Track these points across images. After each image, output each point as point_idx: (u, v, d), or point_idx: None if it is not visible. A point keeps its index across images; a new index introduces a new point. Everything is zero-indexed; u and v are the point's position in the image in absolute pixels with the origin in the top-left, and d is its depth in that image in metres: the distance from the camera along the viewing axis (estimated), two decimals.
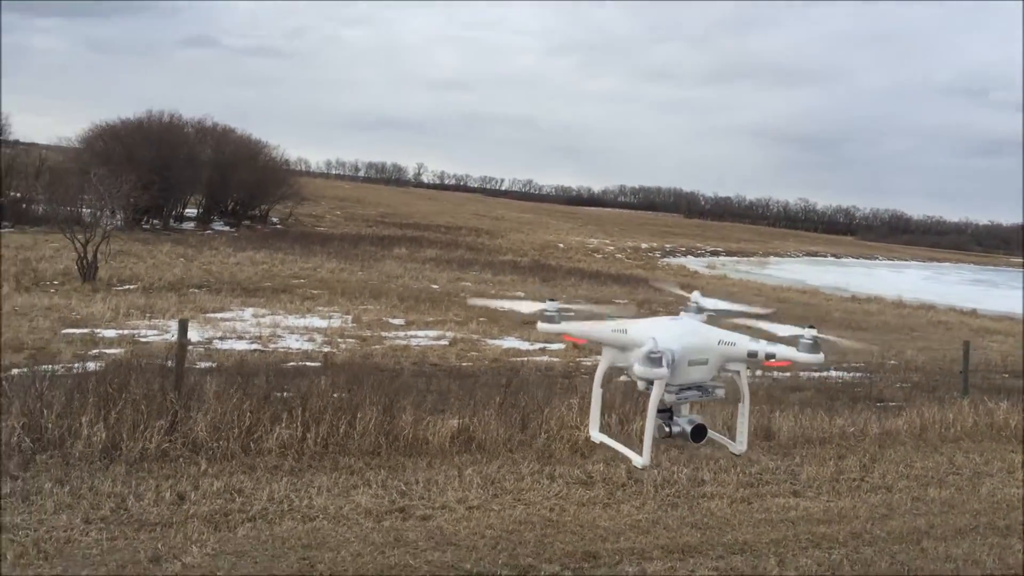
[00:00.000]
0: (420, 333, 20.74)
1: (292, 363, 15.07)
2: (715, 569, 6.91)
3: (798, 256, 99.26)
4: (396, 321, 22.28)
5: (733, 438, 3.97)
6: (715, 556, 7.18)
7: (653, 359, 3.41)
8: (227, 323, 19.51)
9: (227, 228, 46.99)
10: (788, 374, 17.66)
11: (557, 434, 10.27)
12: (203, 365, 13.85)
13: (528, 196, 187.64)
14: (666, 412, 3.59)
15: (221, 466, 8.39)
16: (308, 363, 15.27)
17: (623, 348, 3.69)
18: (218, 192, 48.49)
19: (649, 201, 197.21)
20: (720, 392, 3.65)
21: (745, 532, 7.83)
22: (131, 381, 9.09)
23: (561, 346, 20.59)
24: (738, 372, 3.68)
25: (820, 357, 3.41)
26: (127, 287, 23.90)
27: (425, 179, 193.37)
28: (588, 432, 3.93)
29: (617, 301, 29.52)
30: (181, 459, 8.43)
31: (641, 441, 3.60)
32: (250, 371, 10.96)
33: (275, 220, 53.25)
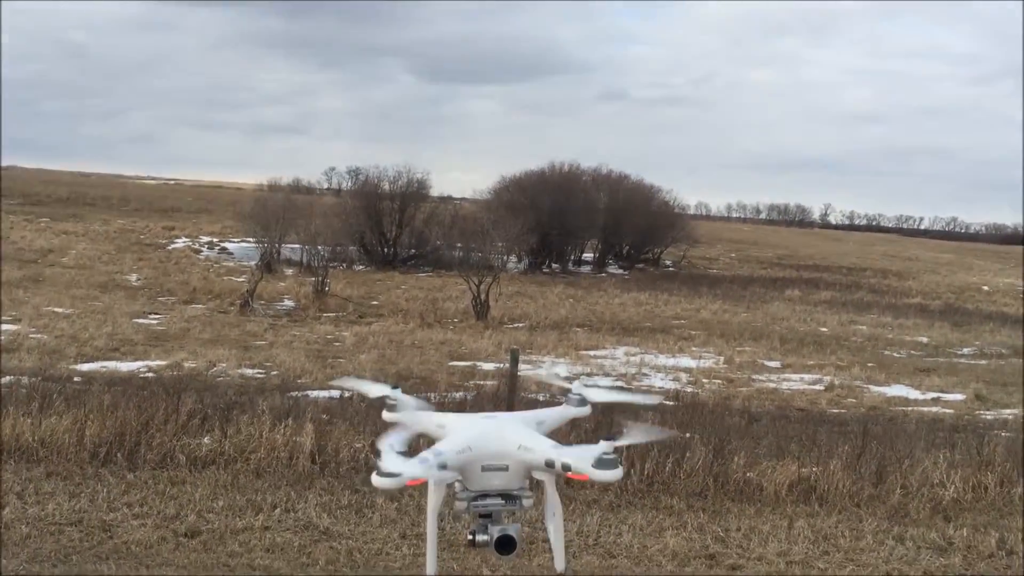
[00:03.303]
0: (795, 376, 19.59)
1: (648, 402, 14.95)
2: None
3: None
4: (771, 363, 21.28)
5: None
6: None
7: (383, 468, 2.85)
8: (598, 360, 19.96)
9: (620, 271, 48.53)
10: None
11: (917, 491, 8.99)
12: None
13: (951, 235, 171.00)
14: (488, 517, 2.99)
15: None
16: (665, 402, 15.06)
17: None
18: (612, 236, 50.33)
19: None
20: (527, 502, 3.03)
21: None
22: (467, 408, 9.56)
23: (959, 396, 18.26)
24: (544, 482, 3.07)
25: (615, 474, 2.74)
26: (516, 325, 25.49)
27: (832, 220, 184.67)
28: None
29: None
30: None
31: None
32: None
33: (668, 263, 53.99)
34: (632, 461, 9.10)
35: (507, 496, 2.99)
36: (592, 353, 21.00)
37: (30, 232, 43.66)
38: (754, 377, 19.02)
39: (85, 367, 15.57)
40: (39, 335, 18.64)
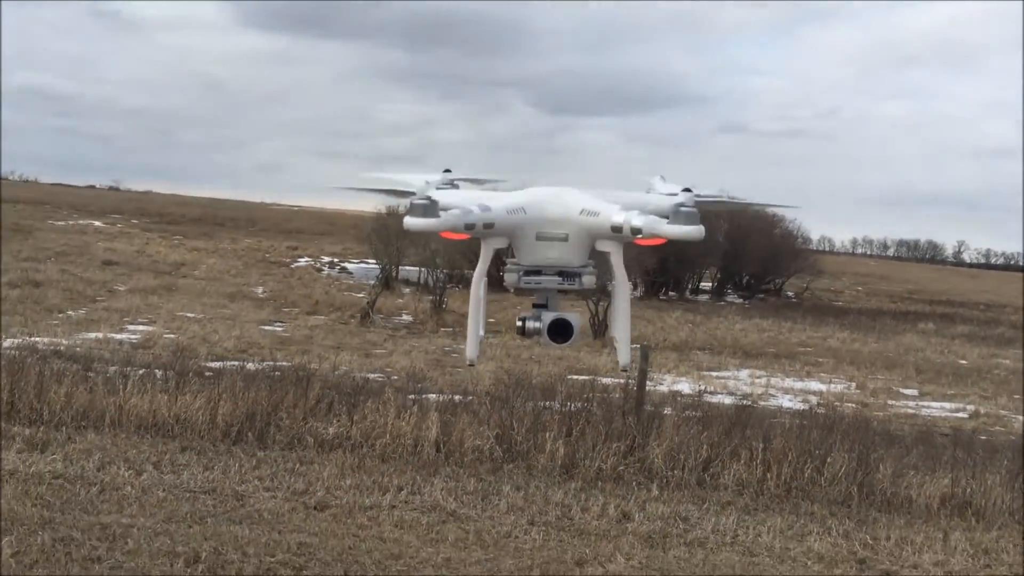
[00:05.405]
0: (935, 404, 18.52)
1: (777, 420, 14.35)
2: None
3: None
4: (908, 391, 20.21)
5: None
6: None
7: (417, 205, 2.37)
8: (721, 380, 19.36)
9: (739, 300, 47.31)
10: None
11: None
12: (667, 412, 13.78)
13: None
14: (543, 305, 2.65)
15: (672, 494, 8.10)
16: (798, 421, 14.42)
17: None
18: (732, 265, 49.14)
19: None
20: (588, 279, 2.65)
21: None
22: (593, 405, 9.31)
23: None
24: (609, 254, 2.61)
25: (695, 230, 2.40)
26: (634, 345, 25.03)
27: (966, 257, 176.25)
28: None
29: None
30: (634, 483, 8.32)
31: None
32: (714, 413, 10.54)
33: (789, 293, 52.33)
34: (768, 465, 8.66)
35: (565, 273, 2.64)
36: (715, 374, 20.39)
37: (164, 248, 45.64)
38: (890, 402, 18.08)
39: (215, 364, 15.96)
40: (172, 335, 19.28)
